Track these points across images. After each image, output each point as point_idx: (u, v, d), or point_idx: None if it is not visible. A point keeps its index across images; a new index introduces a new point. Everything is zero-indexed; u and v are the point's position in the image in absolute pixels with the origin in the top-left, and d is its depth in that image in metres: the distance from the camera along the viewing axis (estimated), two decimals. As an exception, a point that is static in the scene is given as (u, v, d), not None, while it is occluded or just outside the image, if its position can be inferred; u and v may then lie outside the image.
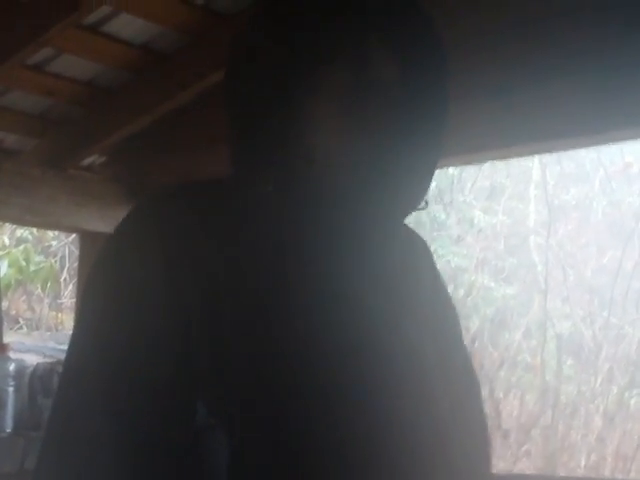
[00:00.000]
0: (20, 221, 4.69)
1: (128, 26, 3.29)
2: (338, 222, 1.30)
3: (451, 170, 7.89)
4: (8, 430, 3.61)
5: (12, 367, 3.69)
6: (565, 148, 3.31)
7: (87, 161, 4.14)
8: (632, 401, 8.46)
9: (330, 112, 1.29)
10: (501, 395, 8.50)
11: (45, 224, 4.76)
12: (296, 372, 1.18)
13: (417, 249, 1.47)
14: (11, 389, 3.64)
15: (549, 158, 7.85)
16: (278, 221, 1.29)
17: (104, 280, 1.26)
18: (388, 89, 1.30)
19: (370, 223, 1.33)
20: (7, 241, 8.13)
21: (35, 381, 3.68)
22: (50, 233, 8.36)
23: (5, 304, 7.88)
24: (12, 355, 3.98)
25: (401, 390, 1.24)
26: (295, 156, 1.29)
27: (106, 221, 3.91)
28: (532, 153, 3.61)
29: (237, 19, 3.18)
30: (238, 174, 1.35)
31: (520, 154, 3.38)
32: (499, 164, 7.94)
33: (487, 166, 8.11)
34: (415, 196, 1.37)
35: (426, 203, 1.38)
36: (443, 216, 8.46)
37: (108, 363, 1.18)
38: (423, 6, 1.35)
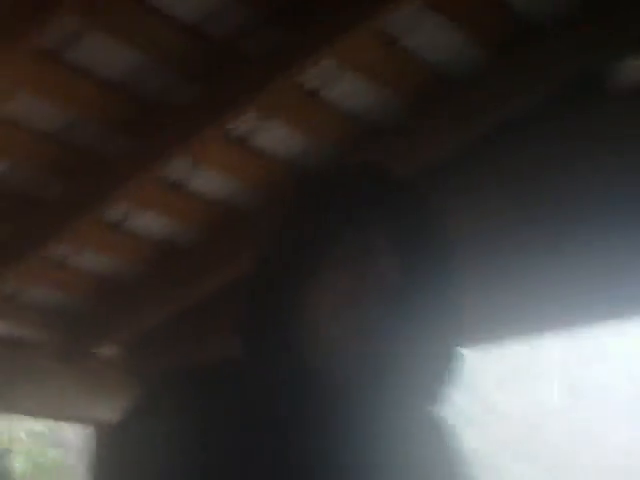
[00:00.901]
0: (34, 413, 4.67)
1: (145, 222, 3.39)
2: (340, 413, 1.31)
3: (472, 352, 7.86)
4: None
5: None
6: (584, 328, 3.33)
7: (100, 352, 4.16)
8: None
9: (334, 302, 1.31)
10: None
11: (59, 416, 4.74)
12: None
13: (431, 437, 1.43)
14: None
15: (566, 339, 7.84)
16: (282, 412, 1.31)
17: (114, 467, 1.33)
18: (387, 278, 1.32)
19: (378, 414, 1.32)
20: (24, 436, 8.08)
21: None
22: (64, 425, 8.31)
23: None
24: None
25: None
26: (300, 345, 1.32)
27: (118, 413, 3.89)
28: (547, 334, 3.63)
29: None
30: (246, 361, 1.37)
31: (535, 336, 3.41)
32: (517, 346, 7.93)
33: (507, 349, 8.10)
34: (426, 385, 1.36)
35: (448, 394, 1.37)
36: (461, 399, 8.39)
37: None
38: (425, 199, 1.40)
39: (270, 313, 1.36)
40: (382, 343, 1.30)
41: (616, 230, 2.70)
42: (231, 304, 1.59)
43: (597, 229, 2.75)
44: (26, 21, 2.35)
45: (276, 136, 3.00)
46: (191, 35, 2.60)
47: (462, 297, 1.39)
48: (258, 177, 3.16)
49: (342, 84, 2.82)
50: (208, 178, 3.15)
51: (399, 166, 2.42)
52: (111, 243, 3.46)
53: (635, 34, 2.63)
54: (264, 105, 2.81)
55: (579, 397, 8.66)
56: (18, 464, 7.02)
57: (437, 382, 1.36)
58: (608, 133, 2.76)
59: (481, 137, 2.87)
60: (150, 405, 1.34)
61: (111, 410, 3.97)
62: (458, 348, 1.38)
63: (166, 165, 2.97)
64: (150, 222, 3.39)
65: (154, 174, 3.00)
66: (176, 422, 1.27)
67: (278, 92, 2.73)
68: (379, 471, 1.29)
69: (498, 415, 8.68)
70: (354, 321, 1.30)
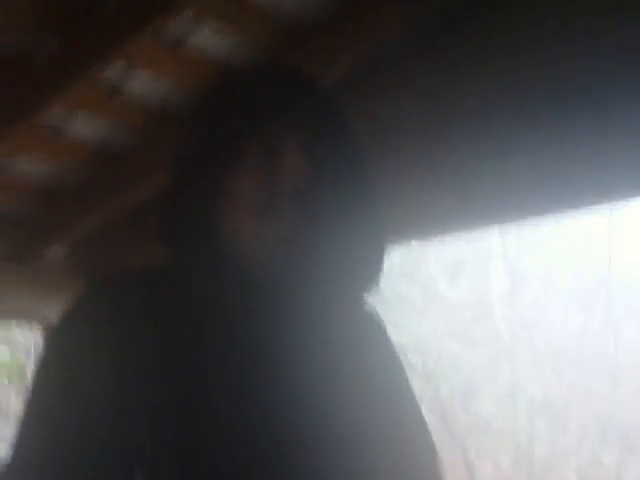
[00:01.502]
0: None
1: (84, 127, 3.34)
2: (267, 307, 1.32)
3: (413, 243, 7.93)
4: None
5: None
6: (523, 219, 3.36)
7: (49, 253, 4.15)
8: (605, 458, 8.46)
9: (247, 190, 1.32)
10: (475, 460, 8.48)
11: (7, 316, 4.74)
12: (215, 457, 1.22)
13: (364, 329, 1.46)
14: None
15: (509, 228, 7.94)
16: (210, 307, 1.32)
17: (43, 373, 1.32)
18: (297, 165, 1.32)
19: (300, 307, 1.34)
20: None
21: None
22: (14, 325, 8.29)
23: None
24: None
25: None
26: (221, 238, 1.33)
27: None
28: (491, 225, 3.64)
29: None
30: (173, 260, 1.38)
31: (480, 226, 3.43)
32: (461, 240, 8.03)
33: (449, 241, 8.19)
34: (357, 280, 1.38)
35: (377, 285, 1.39)
36: (405, 289, 8.50)
37: (50, 446, 1.24)
38: (337, 100, 1.42)
39: (189, 217, 1.36)
40: (306, 243, 1.31)
41: (565, 118, 2.70)
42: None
43: (547, 116, 2.74)
44: None
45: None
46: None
47: (383, 194, 1.41)
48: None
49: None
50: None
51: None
52: (50, 147, 3.42)
53: None
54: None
55: (522, 286, 8.82)
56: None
57: (367, 276, 1.39)
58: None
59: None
60: (84, 308, 1.33)
61: (58, 311, 3.98)
62: (384, 242, 1.41)
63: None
64: (88, 127, 3.36)
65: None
66: (109, 325, 1.28)
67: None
68: (322, 370, 1.31)
69: (443, 304, 8.82)
70: (273, 225, 1.31)
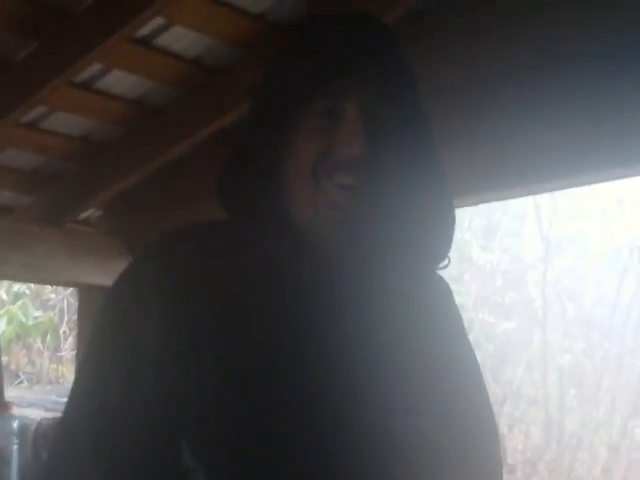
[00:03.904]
0: (18, 278, 4.70)
1: (121, 81, 3.32)
2: (328, 274, 1.29)
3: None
4: (13, 487, 3.60)
5: (15, 425, 3.68)
6: (559, 188, 3.34)
7: (84, 215, 4.16)
8: (636, 430, 8.43)
9: (305, 153, 1.28)
10: (505, 430, 8.47)
11: (43, 280, 4.77)
12: (282, 420, 1.20)
13: (436, 297, 1.39)
14: (15, 447, 3.63)
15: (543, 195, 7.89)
16: (271, 272, 1.28)
17: (100, 335, 1.30)
18: (358, 128, 1.27)
19: (363, 275, 1.30)
20: (5, 297, 8.14)
21: (38, 438, 3.67)
22: (48, 287, 8.38)
23: (5, 359, 7.87)
24: (14, 411, 3.97)
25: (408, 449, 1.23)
26: (281, 201, 1.30)
27: (104, 274, 3.92)
28: (527, 194, 3.62)
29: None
30: (236, 219, 1.35)
31: (515, 195, 3.41)
32: (495, 203, 7.97)
33: (483, 204, 8.14)
34: (430, 249, 1.31)
35: (449, 260, 1.33)
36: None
37: (101, 411, 1.22)
38: (396, 45, 1.35)
39: (252, 175, 1.32)
40: (364, 211, 1.28)
41: (601, 86, 2.68)
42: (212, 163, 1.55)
43: (582, 83, 2.72)
44: None
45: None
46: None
47: (443, 153, 1.35)
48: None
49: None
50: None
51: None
52: (86, 104, 3.41)
53: None
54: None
55: (556, 253, 8.78)
56: (2, 325, 7.09)
57: (440, 245, 1.32)
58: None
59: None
60: (142, 267, 1.31)
61: (95, 273, 3.99)
62: (454, 211, 1.34)
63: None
64: (126, 83, 3.35)
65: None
66: (165, 288, 1.25)
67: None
68: (388, 336, 1.28)
69: (476, 270, 8.79)
70: (328, 191, 1.27)
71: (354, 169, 1.26)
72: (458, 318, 1.44)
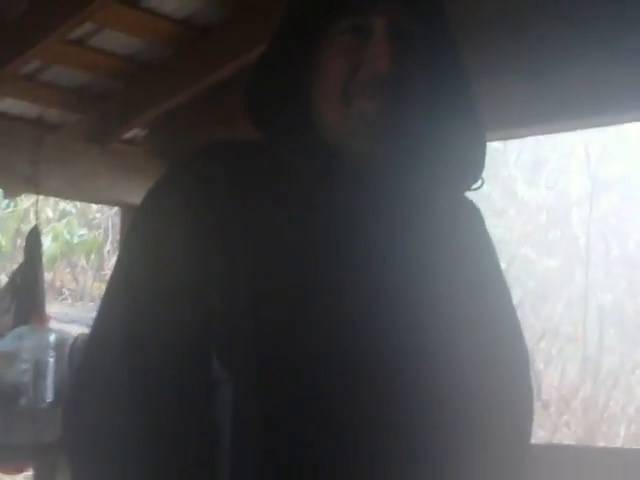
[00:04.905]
0: (63, 195, 4.73)
1: (170, 0, 3.31)
2: (368, 193, 1.29)
3: (495, 144, 7.84)
4: (49, 400, 3.63)
5: (52, 338, 3.70)
6: (608, 124, 3.30)
7: (129, 135, 4.17)
8: (674, 373, 8.42)
9: (333, 71, 1.27)
10: (542, 366, 8.48)
11: (87, 198, 4.80)
12: (313, 331, 1.21)
13: (464, 220, 1.40)
14: (52, 360, 3.66)
15: (592, 132, 7.79)
16: (307, 189, 1.28)
17: (134, 242, 1.31)
18: (385, 46, 1.25)
19: (402, 195, 1.30)
20: (51, 214, 8.21)
21: (75, 352, 3.68)
22: (93, 206, 8.45)
23: (50, 275, 7.98)
24: (56, 326, 4.02)
25: (432, 369, 1.24)
26: (310, 118, 1.29)
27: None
28: (574, 129, 3.58)
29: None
30: (268, 139, 1.34)
31: (562, 129, 3.37)
32: (542, 138, 7.88)
33: (531, 140, 8.05)
34: (461, 171, 1.33)
35: (482, 181, 1.34)
36: (486, 188, 8.42)
37: (132, 320, 1.24)
38: None
39: (280, 94, 1.32)
40: (391, 129, 1.27)
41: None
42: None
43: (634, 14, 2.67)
44: None
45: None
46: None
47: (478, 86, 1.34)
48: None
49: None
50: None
51: None
52: (135, 22, 3.39)
53: None
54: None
55: (602, 191, 8.68)
56: (47, 242, 7.16)
57: (471, 163, 1.33)
58: None
59: None
60: (175, 180, 1.31)
61: (138, 192, 4.01)
62: (484, 131, 1.35)
63: None
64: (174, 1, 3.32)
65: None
66: (199, 202, 1.26)
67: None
68: (419, 256, 1.28)
69: (521, 206, 8.74)
70: (356, 109, 1.26)
71: (384, 85, 1.25)
72: (488, 242, 1.44)
